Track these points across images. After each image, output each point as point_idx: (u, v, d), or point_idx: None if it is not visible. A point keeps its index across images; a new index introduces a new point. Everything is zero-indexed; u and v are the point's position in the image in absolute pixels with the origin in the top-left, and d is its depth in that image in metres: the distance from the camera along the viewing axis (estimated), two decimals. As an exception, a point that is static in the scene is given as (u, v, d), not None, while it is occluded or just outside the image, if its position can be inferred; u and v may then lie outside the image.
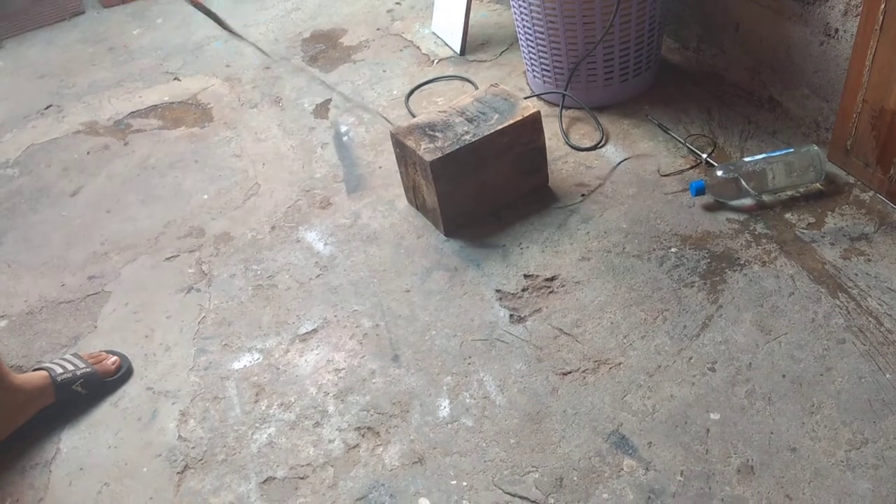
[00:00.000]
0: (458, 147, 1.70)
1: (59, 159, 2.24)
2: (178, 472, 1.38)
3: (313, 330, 1.61)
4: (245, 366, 1.56)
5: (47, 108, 2.47)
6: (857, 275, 1.51)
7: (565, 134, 2.02)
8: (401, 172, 1.86)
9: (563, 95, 2.07)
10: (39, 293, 1.81)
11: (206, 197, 2.02)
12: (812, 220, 1.65)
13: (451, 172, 1.72)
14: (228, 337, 1.63)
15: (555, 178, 1.89)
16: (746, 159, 1.72)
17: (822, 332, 1.43)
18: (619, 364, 1.44)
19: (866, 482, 1.20)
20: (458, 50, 2.42)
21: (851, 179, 1.72)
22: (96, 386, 1.53)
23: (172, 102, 2.41)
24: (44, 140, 2.33)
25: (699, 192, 1.72)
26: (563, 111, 2.09)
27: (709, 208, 1.73)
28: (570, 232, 1.73)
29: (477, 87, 2.25)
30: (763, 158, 1.71)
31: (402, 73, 2.40)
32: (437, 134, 1.75)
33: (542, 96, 2.16)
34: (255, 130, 2.24)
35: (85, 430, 1.48)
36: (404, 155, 1.79)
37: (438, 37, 2.53)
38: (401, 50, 2.51)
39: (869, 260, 1.54)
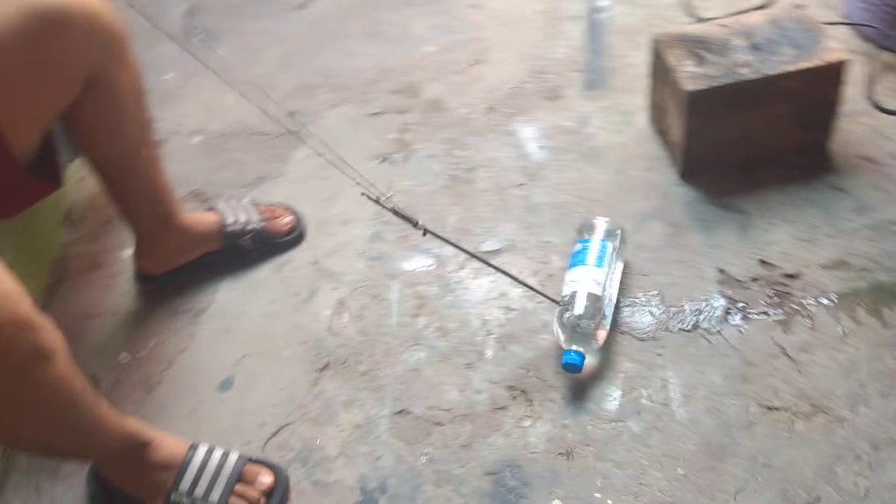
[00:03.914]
0: (728, 81, 1.36)
1: (297, -38, 2.09)
2: (317, 369, 1.29)
3: (496, 250, 1.42)
4: (415, 269, 1.41)
5: None
6: None
7: (870, 84, 1.59)
8: (651, 84, 1.55)
9: (887, 35, 1.60)
10: (239, 115, 1.73)
11: (430, 49, 1.82)
12: None
13: (709, 108, 1.39)
14: (408, 228, 1.48)
15: (837, 141, 1.50)
16: None
17: None
18: (842, 420, 1.15)
19: None
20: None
21: None
22: (265, 243, 1.45)
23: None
24: (287, -65, 2.17)
25: None
26: (881, 53, 1.63)
27: None
28: (835, 220, 1.38)
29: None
30: None
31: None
32: (707, 55, 1.41)
33: (857, 26, 1.70)
34: (503, -22, 1.96)
35: (242, 289, 1.42)
36: (661, 69, 1.47)
37: None
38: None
39: None
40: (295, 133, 1.68)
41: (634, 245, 1.38)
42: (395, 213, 1.15)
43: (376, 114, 1.70)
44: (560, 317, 1.24)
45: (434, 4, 1.93)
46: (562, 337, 1.23)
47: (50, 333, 0.88)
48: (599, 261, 1.28)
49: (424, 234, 1.17)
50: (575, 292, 1.25)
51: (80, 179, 1.58)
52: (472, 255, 1.25)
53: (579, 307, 1.23)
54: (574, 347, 1.21)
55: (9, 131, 1.04)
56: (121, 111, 1.22)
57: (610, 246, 1.30)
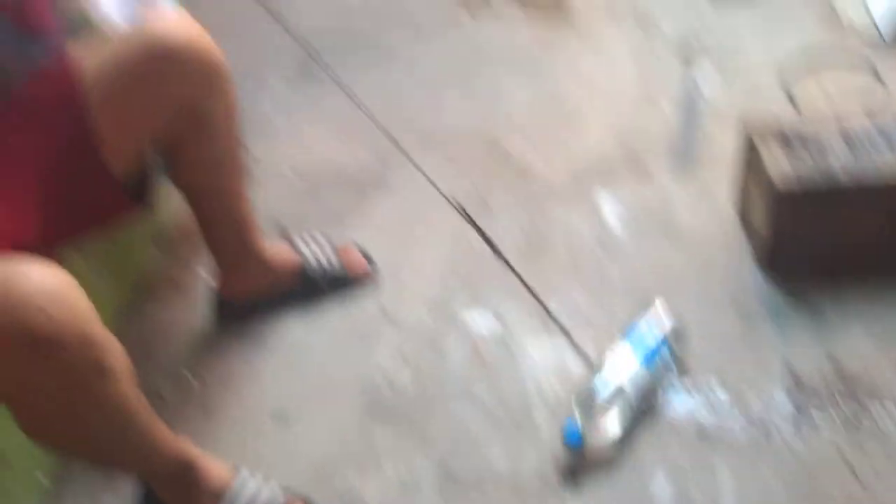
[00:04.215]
0: (820, 182, 1.34)
1: (404, 10, 2.16)
2: (370, 415, 1.31)
3: (563, 318, 1.42)
4: (480, 328, 1.42)
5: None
6: None
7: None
8: (740, 171, 1.53)
9: None
10: (330, 154, 1.79)
11: (520, 110, 1.84)
12: None
13: (798, 207, 1.37)
14: (479, 285, 1.49)
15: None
16: None
17: None
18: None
19: None
20: (882, 29, 1.90)
21: None
22: (338, 284, 1.49)
23: (535, -13, 2.19)
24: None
25: None
26: None
27: None
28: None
29: (885, 87, 1.77)
30: None
31: (797, 27, 1.96)
32: (801, 151, 1.38)
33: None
34: (602, 44, 1.98)
35: (309, 325, 1.44)
36: (752, 159, 1.45)
37: (866, -2, 2.01)
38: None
39: None
40: (381, 180, 1.72)
41: (703, 332, 1.35)
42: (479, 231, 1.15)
43: (462, 168, 1.72)
44: (582, 395, 1.22)
45: (529, 65, 1.95)
46: (575, 411, 1.21)
47: (114, 353, 0.92)
48: (647, 361, 1.25)
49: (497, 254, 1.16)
50: (608, 378, 1.23)
51: (171, 203, 1.65)
52: (546, 311, 1.24)
53: (603, 392, 1.21)
54: (578, 423, 1.19)
55: (108, 149, 1.11)
56: (215, 141, 1.28)
57: (665, 349, 1.28)
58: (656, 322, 1.30)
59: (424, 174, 1.70)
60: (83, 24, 1.20)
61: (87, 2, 1.20)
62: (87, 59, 1.11)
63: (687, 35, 1.98)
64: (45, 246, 1.04)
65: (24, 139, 1.06)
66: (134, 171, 1.18)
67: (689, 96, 1.81)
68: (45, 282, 0.85)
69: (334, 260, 1.50)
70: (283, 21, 2.16)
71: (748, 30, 1.97)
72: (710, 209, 1.59)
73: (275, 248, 1.47)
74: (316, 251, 1.50)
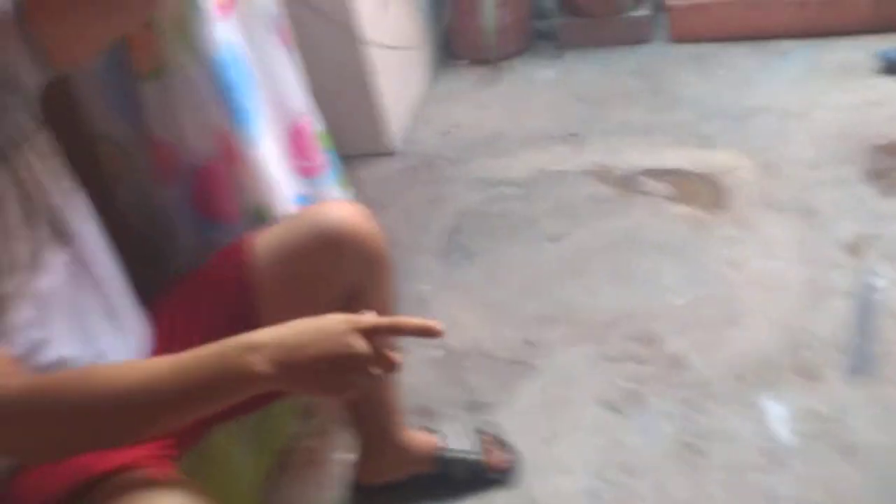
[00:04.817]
0: None
1: (558, 195, 2.17)
2: None
3: (724, 541, 1.28)
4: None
5: (571, 135, 2.42)
6: None
7: None
8: (929, 384, 1.38)
9: None
10: (477, 334, 1.76)
11: (678, 301, 1.76)
12: None
13: None
14: (624, 491, 1.38)
15: None
16: None
17: None
18: None
19: None
20: None
21: None
22: (477, 476, 1.42)
23: (691, 172, 2.16)
24: (554, 169, 2.28)
25: None
26: None
27: None
28: None
29: None
30: None
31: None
32: None
33: None
34: (766, 240, 1.89)
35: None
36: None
37: None
38: None
39: None
40: (527, 364, 1.67)
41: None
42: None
43: (612, 358, 1.65)
44: None
45: (688, 254, 1.89)
46: None
47: None
48: None
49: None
50: None
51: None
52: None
53: None
54: None
55: None
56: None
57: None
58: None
59: (570, 362, 1.65)
60: (264, 216, 1.27)
61: (269, 195, 1.28)
62: (260, 242, 1.16)
63: (855, 226, 1.87)
64: (195, 433, 1.05)
65: (195, 313, 1.11)
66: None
67: (862, 293, 1.68)
68: None
69: (475, 449, 1.44)
70: (441, 200, 2.23)
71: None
72: (890, 420, 1.43)
73: (414, 435, 1.43)
74: (458, 438, 1.45)
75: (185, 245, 1.36)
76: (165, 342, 1.08)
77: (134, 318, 1.07)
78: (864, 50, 2.51)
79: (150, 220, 1.38)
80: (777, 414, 1.48)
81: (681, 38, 2.83)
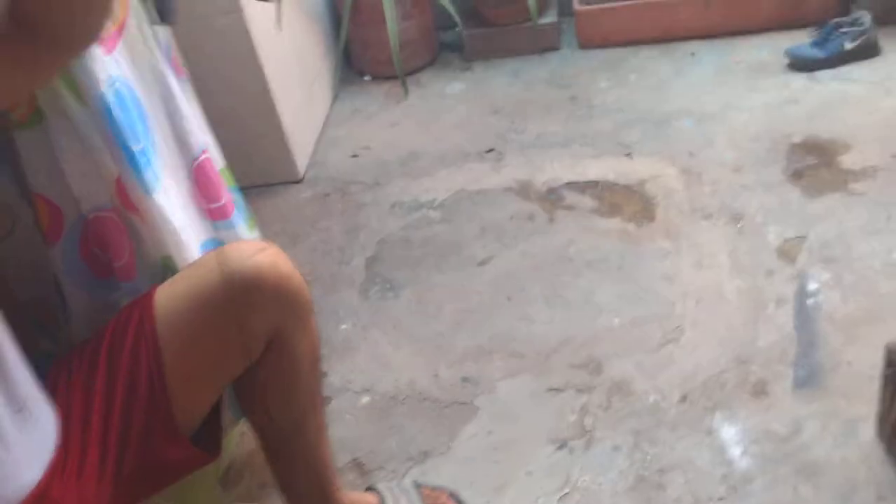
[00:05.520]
0: None
1: (482, 216, 2.07)
2: None
3: (694, 586, 1.20)
4: None
5: (489, 151, 2.33)
6: None
7: None
8: (881, 394, 1.33)
9: None
10: (410, 374, 1.65)
11: (616, 321, 1.69)
12: None
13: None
14: (586, 538, 1.29)
15: None
16: None
17: None
18: None
19: None
20: None
21: None
22: (424, 536, 1.30)
23: (616, 184, 2.10)
24: (474, 188, 2.18)
25: None
26: None
27: None
28: None
29: None
30: None
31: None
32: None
33: None
34: (698, 251, 1.83)
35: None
36: (894, 378, 1.26)
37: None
38: (917, 191, 1.91)
39: None
40: (467, 404, 1.56)
41: None
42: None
43: (555, 390, 1.56)
44: None
45: (619, 271, 1.82)
46: None
47: None
48: None
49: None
50: None
51: (241, 435, 1.52)
52: None
53: None
54: None
55: (182, 409, 1.02)
56: (295, 376, 1.16)
57: None
58: None
59: (513, 398, 1.55)
60: (172, 268, 1.14)
61: (175, 244, 1.15)
62: (162, 296, 1.04)
63: (783, 229, 1.84)
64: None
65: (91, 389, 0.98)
66: (204, 414, 1.08)
67: (799, 299, 1.65)
68: None
69: (419, 506, 1.32)
70: (357, 228, 2.10)
71: (859, 230, 1.81)
72: (849, 439, 1.38)
73: (353, 496, 1.30)
74: (398, 497, 1.32)
75: (77, 310, 1.21)
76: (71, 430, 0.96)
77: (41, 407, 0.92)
78: (771, 48, 2.53)
79: (33, 283, 1.22)
80: (730, 437, 1.42)
81: (589, 43, 2.79)
